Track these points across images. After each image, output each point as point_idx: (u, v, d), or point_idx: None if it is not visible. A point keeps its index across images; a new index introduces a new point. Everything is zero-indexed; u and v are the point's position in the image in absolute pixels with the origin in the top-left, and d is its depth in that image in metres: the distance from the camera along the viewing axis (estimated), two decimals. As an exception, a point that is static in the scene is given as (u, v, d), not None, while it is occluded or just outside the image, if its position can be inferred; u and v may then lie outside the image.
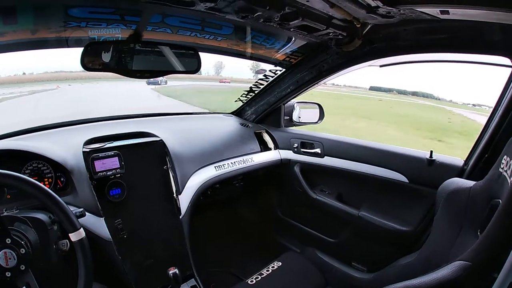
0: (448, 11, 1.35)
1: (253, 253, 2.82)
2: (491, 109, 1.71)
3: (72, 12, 1.47)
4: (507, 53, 1.49)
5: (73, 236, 1.17)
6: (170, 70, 1.58)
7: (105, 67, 1.44)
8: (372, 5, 1.39)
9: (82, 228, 1.18)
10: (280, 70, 2.41)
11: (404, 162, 2.04)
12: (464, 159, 1.85)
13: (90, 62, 1.41)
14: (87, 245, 1.20)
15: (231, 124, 2.65)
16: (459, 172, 1.82)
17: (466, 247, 1.21)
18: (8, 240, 1.08)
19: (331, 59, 2.11)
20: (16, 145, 1.60)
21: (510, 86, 1.59)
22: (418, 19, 1.53)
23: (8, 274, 1.08)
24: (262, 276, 2.06)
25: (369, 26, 1.72)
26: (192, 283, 1.86)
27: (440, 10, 1.37)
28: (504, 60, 1.54)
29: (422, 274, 1.16)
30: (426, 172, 1.93)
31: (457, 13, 1.37)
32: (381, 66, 2.11)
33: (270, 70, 2.43)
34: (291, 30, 1.71)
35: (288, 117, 2.73)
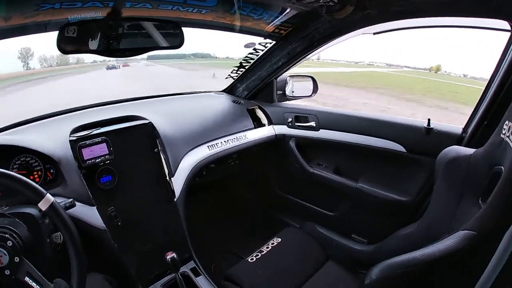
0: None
1: (253, 231, 2.84)
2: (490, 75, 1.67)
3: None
4: (507, 17, 1.43)
5: (43, 205, 1.14)
6: (151, 47, 1.51)
7: (81, 49, 1.37)
8: None
9: (48, 193, 1.15)
10: (270, 43, 2.34)
11: (401, 132, 2.01)
12: (463, 127, 1.81)
13: (67, 45, 1.34)
14: (61, 208, 1.18)
15: (223, 102, 2.60)
16: (457, 139, 1.79)
17: (468, 215, 1.21)
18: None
19: (322, 28, 2.04)
20: (2, 140, 1.55)
21: (510, 51, 1.54)
22: None
23: (7, 272, 1.05)
24: (262, 253, 2.05)
25: (362, -9, 1.65)
26: (191, 265, 1.84)
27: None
28: (503, 24, 1.49)
29: (423, 243, 1.14)
30: (424, 141, 1.90)
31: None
32: (374, 33, 2.06)
33: (259, 43, 2.36)
34: (279, -2, 1.63)
35: (281, 92, 2.67)
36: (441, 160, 1.51)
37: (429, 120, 1.89)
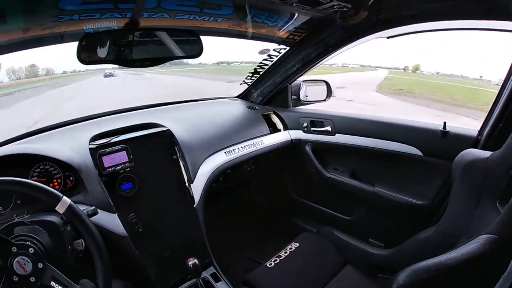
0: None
1: (270, 236, 2.82)
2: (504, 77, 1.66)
3: (62, 4, 1.42)
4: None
5: (60, 207, 1.15)
6: (170, 57, 1.52)
7: (102, 59, 1.39)
8: None
9: (65, 196, 1.16)
10: (284, 49, 2.35)
11: (417, 135, 2.00)
12: (478, 129, 1.80)
13: (87, 56, 1.35)
14: (80, 211, 1.19)
15: (238, 108, 2.61)
16: (473, 142, 1.77)
17: (486, 219, 1.23)
18: (14, 249, 1.06)
19: (336, 33, 2.05)
20: (21, 149, 1.58)
21: None
22: None
23: (32, 279, 1.06)
24: (280, 258, 2.05)
25: (375, -5, 1.65)
26: (211, 271, 1.85)
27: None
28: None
29: (441, 247, 1.14)
30: (440, 144, 1.89)
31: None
32: (388, 37, 2.05)
33: (274, 49, 2.37)
34: (293, 5, 1.64)
35: (296, 97, 2.67)
36: (457, 163, 1.49)
37: (444, 123, 1.88)
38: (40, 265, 1.07)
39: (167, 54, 1.50)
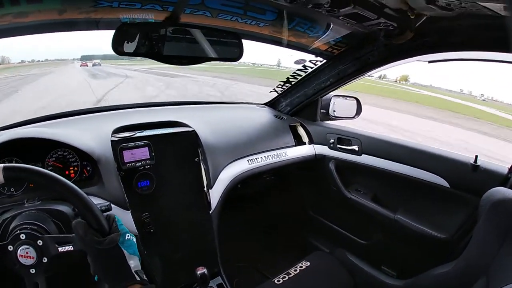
0: (512, 8, 1.23)
1: (281, 250, 2.80)
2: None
3: (103, -11, 1.40)
4: None
5: None
6: (208, 57, 1.48)
7: (137, 52, 1.35)
8: None
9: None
10: (321, 61, 2.30)
11: (446, 166, 1.92)
12: (509, 167, 1.71)
13: (122, 46, 1.32)
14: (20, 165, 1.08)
15: (265, 116, 2.57)
16: (502, 180, 1.68)
17: (509, 261, 1.18)
18: (23, 236, 1.02)
19: (377, 51, 1.98)
20: (41, 132, 1.55)
21: None
22: (477, 14, 1.40)
23: (32, 270, 1.02)
24: (289, 276, 2.02)
25: (424, 18, 1.59)
26: (218, 281, 1.83)
27: (504, 6, 1.24)
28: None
29: (458, 285, 1.09)
30: (469, 178, 1.81)
31: (521, 10, 1.24)
32: (430, 62, 1.99)
33: (310, 61, 2.32)
34: (340, 18, 1.60)
35: (325, 111, 2.61)
36: (486, 200, 1.43)
37: (476, 156, 1.80)
38: (45, 260, 1.02)
39: (206, 54, 1.46)
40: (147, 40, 1.35)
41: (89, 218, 1.02)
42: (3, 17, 1.43)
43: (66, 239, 1.05)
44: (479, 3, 1.26)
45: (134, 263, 1.05)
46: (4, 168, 0.97)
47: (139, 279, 1.02)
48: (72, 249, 1.03)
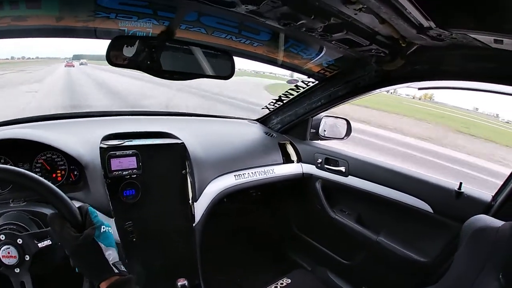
0: (502, 40, 1.26)
1: (263, 266, 2.78)
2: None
3: (102, 1, 1.42)
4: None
5: None
6: (200, 74, 1.50)
7: (131, 64, 1.37)
8: (425, 26, 1.31)
9: None
10: (313, 82, 2.33)
11: (430, 191, 1.93)
12: (493, 195, 1.75)
13: (116, 57, 1.34)
14: None
15: (255, 132, 2.59)
16: (485, 207, 1.71)
17: None
18: (2, 237, 1.02)
19: (368, 76, 2.01)
20: (30, 134, 1.56)
21: None
22: (468, 45, 1.43)
23: (17, 270, 1.02)
24: None
25: (415, 47, 1.63)
26: None
27: (494, 39, 1.28)
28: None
29: None
30: (452, 204, 1.82)
31: (511, 43, 1.28)
32: (419, 88, 2.04)
33: (302, 81, 2.35)
34: (332, 42, 1.63)
35: (314, 130, 2.64)
36: (467, 227, 1.42)
37: (460, 183, 1.82)
38: (27, 257, 1.02)
39: (197, 70, 1.48)
40: (141, 53, 1.37)
41: (62, 210, 1.02)
42: (2, 19, 1.44)
43: (44, 234, 1.05)
44: (470, 35, 1.29)
45: (112, 254, 1.04)
46: None
47: (117, 271, 1.02)
48: (50, 243, 1.04)
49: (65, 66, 28.30)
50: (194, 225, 1.83)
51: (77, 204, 1.10)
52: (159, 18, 1.52)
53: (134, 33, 1.61)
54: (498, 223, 1.35)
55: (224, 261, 2.65)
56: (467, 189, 1.81)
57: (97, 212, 1.08)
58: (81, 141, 1.68)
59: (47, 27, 1.58)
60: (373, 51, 1.70)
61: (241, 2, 1.23)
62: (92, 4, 1.41)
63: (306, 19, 1.34)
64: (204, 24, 1.62)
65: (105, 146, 1.67)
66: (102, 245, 1.02)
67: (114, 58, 1.34)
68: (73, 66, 29.03)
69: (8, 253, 1.00)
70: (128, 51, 1.35)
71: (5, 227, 1.06)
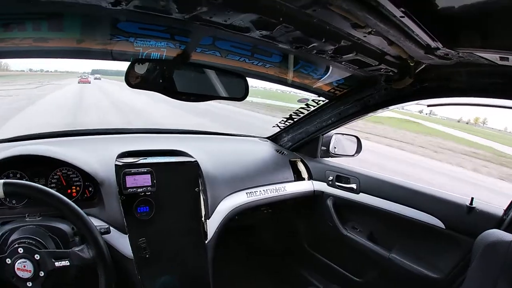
0: (508, 58, 1.29)
1: (275, 284, 2.80)
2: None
3: (122, 26, 1.45)
4: None
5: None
6: (215, 96, 1.54)
7: (149, 86, 1.42)
8: (432, 46, 1.33)
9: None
10: (323, 101, 2.36)
11: (442, 207, 1.94)
12: (504, 209, 1.75)
13: (135, 78, 1.39)
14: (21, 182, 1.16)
15: (266, 150, 2.61)
16: (497, 222, 1.71)
17: None
18: (21, 250, 1.05)
19: (378, 94, 2.04)
20: (47, 151, 1.60)
21: None
22: (475, 62, 1.46)
23: (29, 284, 1.05)
24: None
25: (423, 66, 1.65)
26: None
27: (500, 57, 1.30)
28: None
29: None
30: (464, 220, 1.83)
31: (516, 60, 1.31)
32: (428, 105, 2.05)
33: (313, 100, 2.38)
34: (342, 63, 1.67)
35: (325, 148, 2.66)
36: (480, 242, 1.44)
37: (472, 198, 1.83)
38: (42, 274, 1.06)
39: (212, 92, 1.52)
40: (158, 75, 1.41)
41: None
42: (24, 40, 1.48)
43: (63, 254, 1.09)
44: (476, 53, 1.32)
45: None
46: (5, 184, 1.02)
47: None
48: (68, 264, 1.07)
49: (78, 83, 27.36)
50: (206, 242, 1.84)
51: (93, 221, 1.15)
52: (176, 42, 1.56)
53: (148, 54, 1.65)
54: (510, 237, 1.35)
55: (236, 278, 2.66)
56: (479, 203, 1.82)
57: None
58: (96, 158, 1.71)
59: (67, 49, 1.63)
60: (382, 70, 1.74)
61: (255, 27, 1.27)
62: (113, 28, 1.45)
63: (317, 42, 1.38)
64: (218, 48, 1.66)
65: (121, 163, 1.71)
66: None
67: (132, 79, 1.39)
68: (89, 83, 28.24)
69: (24, 266, 1.04)
70: (146, 73, 1.40)
71: (24, 240, 1.10)
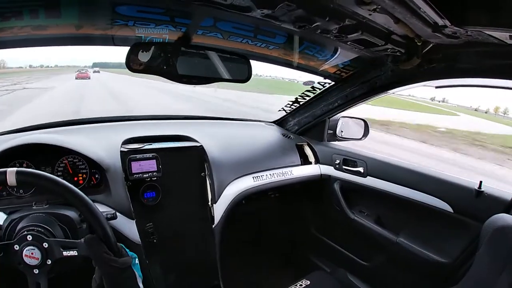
0: (518, 36, 1.26)
1: (282, 268, 2.82)
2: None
3: (120, 10, 1.45)
4: None
5: (10, 178, 1.05)
6: (218, 78, 1.53)
7: (150, 69, 1.41)
8: (440, 24, 1.30)
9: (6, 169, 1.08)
10: (329, 83, 2.33)
11: (450, 191, 1.91)
12: None
13: (135, 63, 1.38)
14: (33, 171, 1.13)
15: (273, 134, 2.60)
16: (506, 206, 1.68)
17: None
18: (29, 237, 1.05)
19: (384, 76, 2.01)
20: (52, 139, 1.61)
21: None
22: (483, 42, 1.42)
23: (36, 271, 1.05)
24: None
25: (431, 45, 1.62)
26: None
27: (510, 35, 1.27)
28: None
29: None
30: (472, 204, 1.80)
31: (527, 39, 1.27)
32: (436, 87, 2.01)
33: (319, 82, 2.36)
34: (348, 43, 1.64)
35: (332, 131, 2.63)
36: (488, 227, 1.42)
37: (480, 182, 1.80)
38: (49, 262, 1.06)
39: (215, 74, 1.51)
40: (159, 59, 1.40)
41: (100, 233, 1.07)
42: (22, 29, 1.47)
43: (72, 244, 1.08)
44: (485, 32, 1.29)
45: (141, 286, 1.12)
46: (18, 172, 1.02)
47: None
48: (76, 254, 1.07)
49: (76, 79, 25.17)
50: (213, 226, 1.85)
51: (100, 207, 1.14)
52: (176, 25, 1.55)
53: (151, 40, 1.65)
54: None
55: (243, 262, 2.68)
56: (488, 188, 1.78)
57: None
58: (101, 145, 1.72)
59: (67, 36, 1.63)
60: (388, 50, 1.70)
61: (256, 6, 1.25)
62: (111, 12, 1.44)
63: (320, 21, 1.35)
64: (220, 29, 1.65)
65: (126, 149, 1.71)
66: (136, 274, 1.10)
67: (133, 64, 1.38)
68: (88, 78, 26.16)
69: (32, 253, 1.04)
70: (146, 57, 1.39)
71: (32, 228, 1.09)
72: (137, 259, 1.14)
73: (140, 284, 1.12)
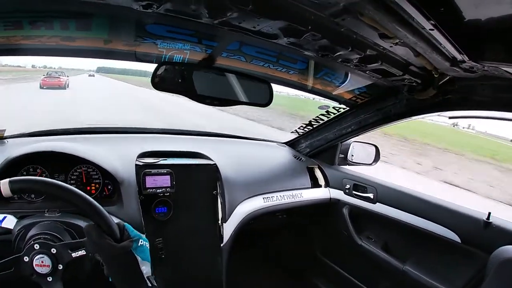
0: (533, 73, 1.28)
1: None
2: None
3: (151, 28, 1.47)
4: None
5: (5, 190, 1.04)
6: (240, 101, 1.55)
7: (174, 89, 1.44)
8: (458, 59, 1.33)
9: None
10: (344, 108, 2.35)
11: (459, 221, 1.91)
12: None
13: (160, 81, 1.41)
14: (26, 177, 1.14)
15: (284, 155, 2.62)
16: None
17: None
18: (37, 246, 1.07)
19: (399, 104, 2.02)
20: (68, 148, 1.63)
21: None
22: (499, 76, 1.44)
23: (49, 279, 1.07)
24: None
25: (447, 77, 1.64)
26: None
27: (525, 71, 1.29)
28: None
29: None
30: (480, 234, 1.80)
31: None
32: (450, 117, 2.03)
33: (334, 107, 2.38)
34: (366, 72, 1.67)
35: (343, 155, 2.64)
36: (494, 258, 1.43)
37: (489, 213, 1.80)
38: (60, 267, 1.07)
39: (237, 97, 1.54)
40: (183, 79, 1.42)
41: (100, 223, 1.07)
42: (51, 38, 1.50)
43: (78, 244, 1.10)
44: (502, 68, 1.31)
45: (146, 269, 1.10)
46: (11, 181, 1.03)
47: (150, 285, 1.07)
48: (84, 253, 1.08)
49: (41, 88, 18.07)
50: (222, 245, 1.86)
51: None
52: (203, 46, 1.58)
53: (171, 56, 1.67)
54: None
55: (249, 282, 2.66)
56: (496, 219, 1.79)
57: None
58: (117, 156, 1.74)
59: (92, 49, 1.65)
60: (405, 80, 1.74)
61: (283, 35, 1.28)
62: (142, 30, 1.46)
63: (343, 51, 1.39)
64: (244, 53, 1.67)
65: (141, 163, 1.73)
66: (138, 258, 1.08)
67: (158, 82, 1.41)
68: (63, 87, 18.88)
69: (42, 262, 1.05)
70: (171, 76, 1.42)
71: (39, 236, 1.11)
72: (142, 241, 1.12)
73: (145, 268, 1.11)
